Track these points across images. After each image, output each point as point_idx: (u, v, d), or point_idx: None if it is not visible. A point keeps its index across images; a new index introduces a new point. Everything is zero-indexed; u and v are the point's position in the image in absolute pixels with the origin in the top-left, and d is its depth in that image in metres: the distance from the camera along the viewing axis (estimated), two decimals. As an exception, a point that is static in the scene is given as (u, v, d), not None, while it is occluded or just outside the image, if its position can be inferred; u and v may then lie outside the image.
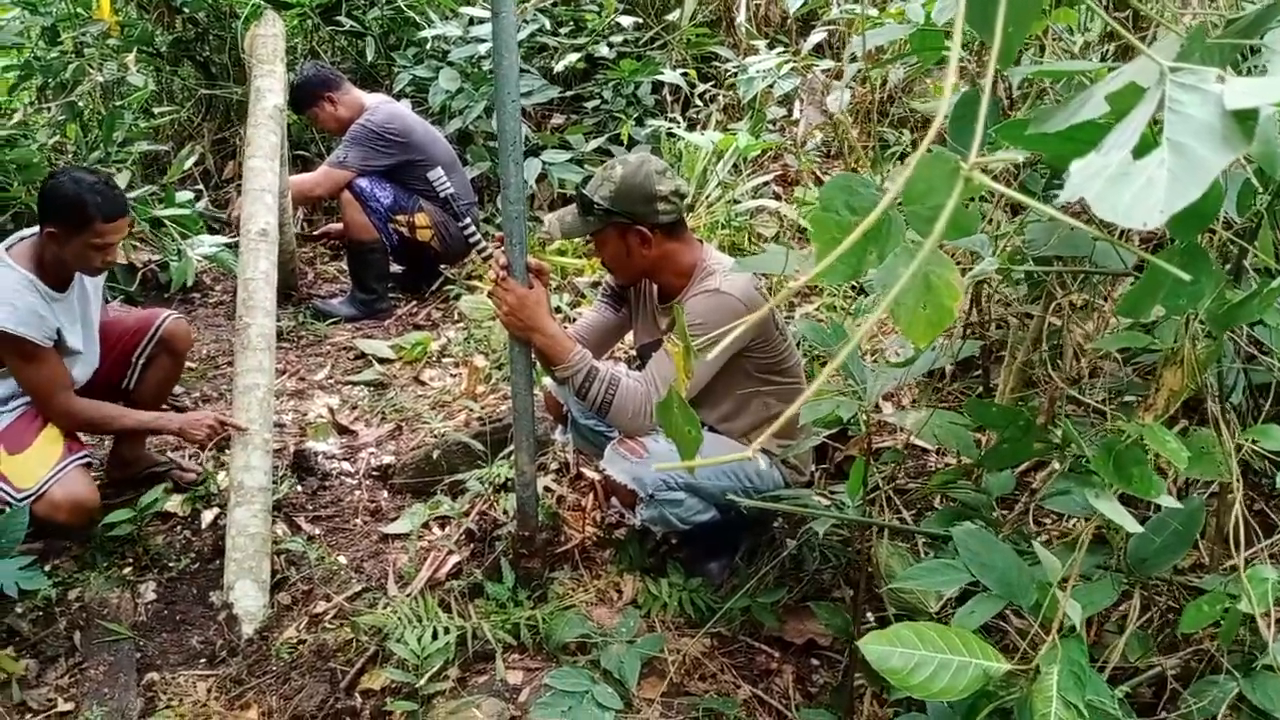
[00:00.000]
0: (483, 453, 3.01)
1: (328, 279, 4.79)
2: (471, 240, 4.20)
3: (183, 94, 5.65)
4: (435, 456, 3.10)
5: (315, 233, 4.76)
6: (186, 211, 4.27)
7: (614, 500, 2.69)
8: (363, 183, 4.19)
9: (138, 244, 4.36)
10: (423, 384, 3.81)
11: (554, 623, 2.37)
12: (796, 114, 4.58)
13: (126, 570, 2.70)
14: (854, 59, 3.19)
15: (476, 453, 3.04)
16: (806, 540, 2.50)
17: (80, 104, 4.95)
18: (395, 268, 4.48)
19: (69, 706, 2.26)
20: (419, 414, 3.56)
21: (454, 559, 2.71)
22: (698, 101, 5.04)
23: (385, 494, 3.15)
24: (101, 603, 2.55)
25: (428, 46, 5.10)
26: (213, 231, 4.45)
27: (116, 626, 2.48)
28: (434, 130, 4.42)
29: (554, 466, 3.09)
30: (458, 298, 4.37)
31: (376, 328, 4.31)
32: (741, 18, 5.16)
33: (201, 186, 5.14)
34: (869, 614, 2.23)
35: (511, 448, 2.45)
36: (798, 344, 2.65)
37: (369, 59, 5.28)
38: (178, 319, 3.00)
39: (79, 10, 5.09)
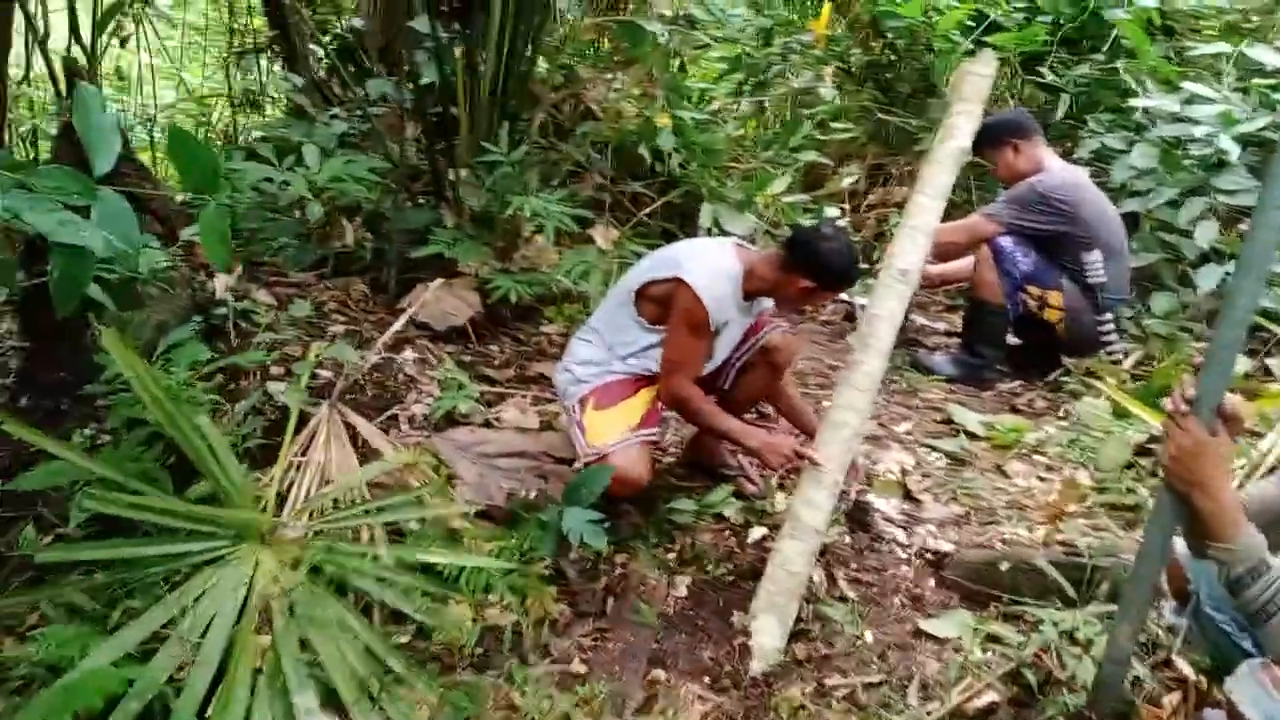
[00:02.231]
0: (1058, 588, 2.56)
1: (934, 330, 4.56)
2: (1105, 339, 3.63)
3: (858, 114, 5.80)
4: (1002, 568, 2.71)
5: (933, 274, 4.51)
6: (829, 229, 4.32)
7: (1221, 726, 2.08)
8: (1005, 242, 3.87)
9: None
10: (1005, 475, 3.41)
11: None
12: None
13: (670, 557, 2.75)
14: None
15: (1050, 583, 2.60)
16: None
17: (769, 105, 5.31)
18: (1012, 339, 4.10)
19: (581, 669, 2.34)
20: (993, 508, 3.18)
21: (992, 695, 2.32)
22: None
23: (932, 583, 2.85)
24: (641, 580, 2.62)
25: (1133, 116, 4.56)
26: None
27: (646, 608, 2.53)
28: (1110, 209, 3.94)
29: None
30: (1073, 395, 3.86)
31: (973, 396, 3.98)
32: None
33: (846, 205, 5.22)
34: None
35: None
36: None
37: (1058, 115, 4.89)
38: (785, 332, 2.98)
39: (797, 18, 5.45)
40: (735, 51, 5.65)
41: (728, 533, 2.91)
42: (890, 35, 5.63)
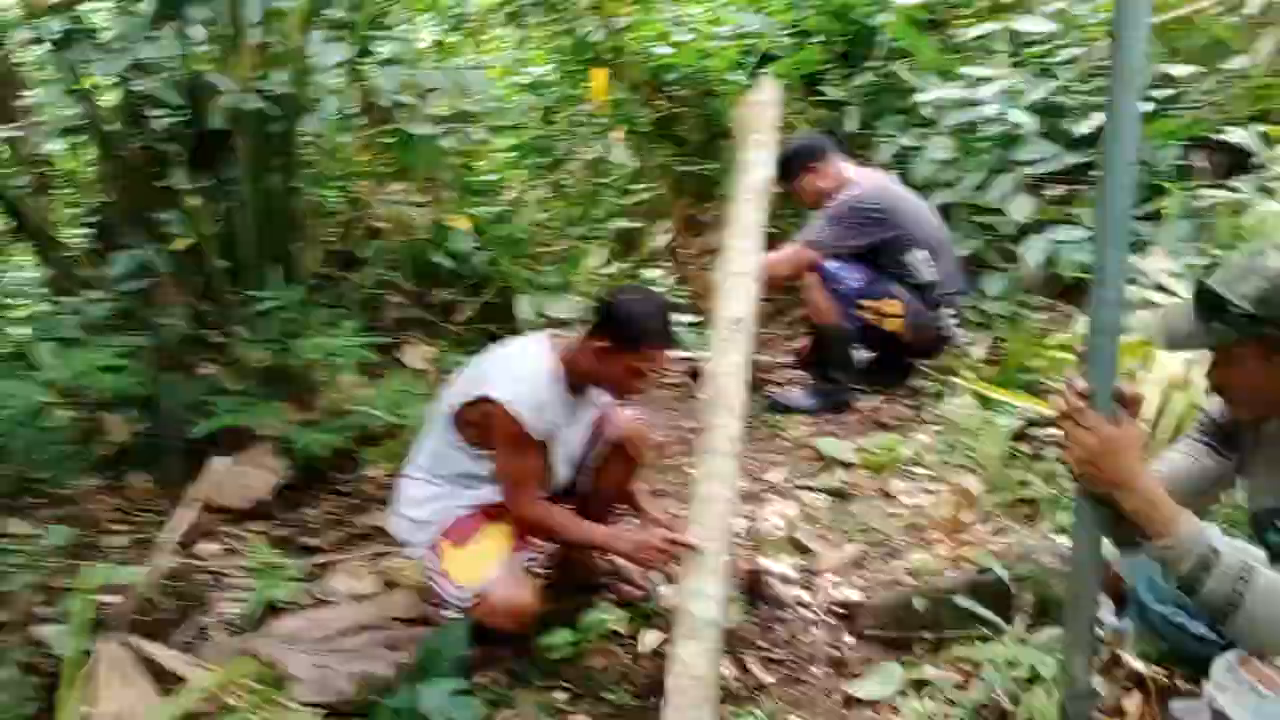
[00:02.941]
0: (980, 617, 2.31)
1: (780, 364, 4.35)
2: (947, 334, 3.53)
3: (657, 171, 5.67)
4: (918, 606, 2.45)
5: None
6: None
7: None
8: (830, 265, 3.72)
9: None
10: (890, 498, 3.19)
11: None
12: None
13: (560, 696, 2.38)
14: None
15: (967, 611, 2.35)
16: None
17: (567, 182, 5.10)
18: (860, 354, 3.93)
19: None
20: (888, 538, 2.95)
21: (945, 756, 2.03)
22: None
23: (849, 639, 2.57)
24: (533, 732, 2.24)
25: (922, 112, 4.54)
26: (676, 309, 4.25)
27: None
28: (924, 207, 3.86)
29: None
30: (935, 396, 3.71)
31: (836, 424, 3.78)
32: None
33: (670, 263, 5.03)
34: None
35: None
36: None
37: (847, 128, 4.86)
38: (632, 419, 2.69)
39: (574, 92, 5.31)
40: (521, 138, 5.47)
41: (617, 647, 2.56)
42: (671, 88, 5.56)
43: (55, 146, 4.25)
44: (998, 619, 2.26)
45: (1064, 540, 2.51)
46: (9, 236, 4.07)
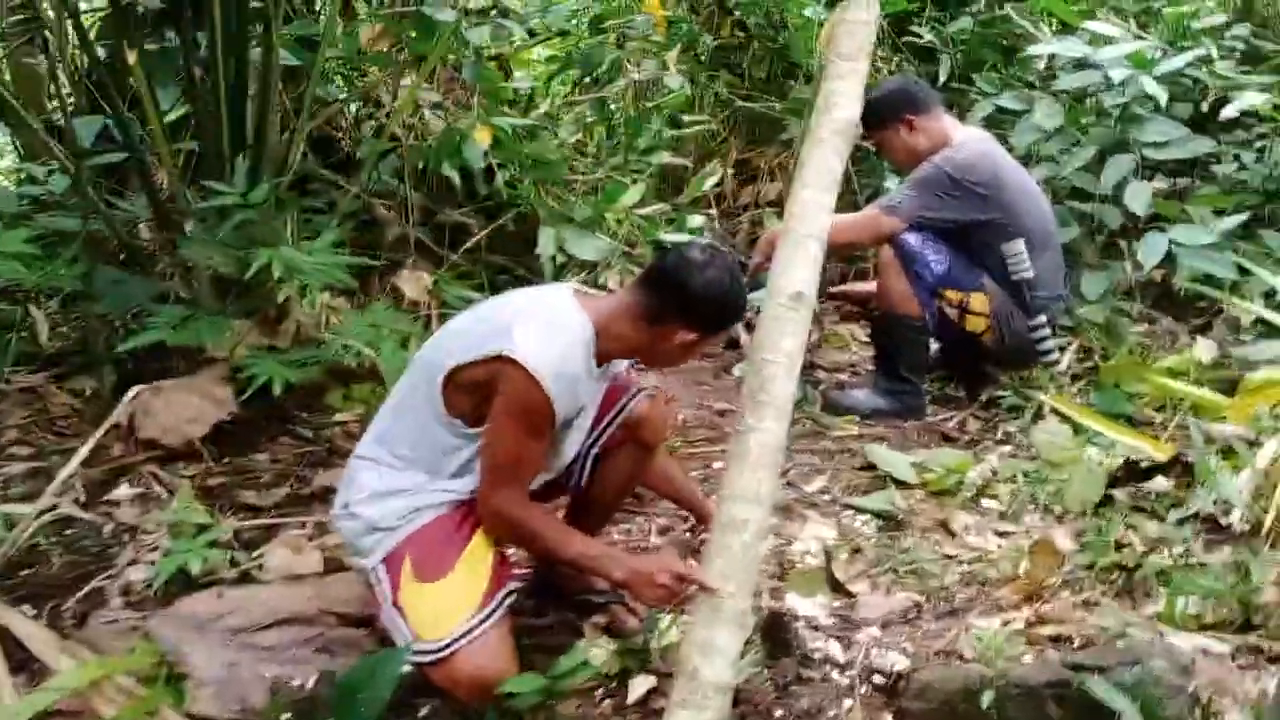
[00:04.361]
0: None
1: (840, 347, 3.80)
2: (1040, 346, 3.00)
3: (713, 105, 5.05)
4: (982, 701, 1.93)
5: (834, 290, 3.77)
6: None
7: None
8: (912, 239, 3.11)
9: (634, 269, 3.71)
10: (952, 534, 2.65)
11: None
12: None
13: (518, 756, 1.88)
14: None
15: (1052, 713, 1.83)
16: None
17: (612, 103, 4.50)
18: (933, 346, 3.36)
19: None
20: (946, 590, 2.41)
21: None
22: None
23: (888, 720, 2.06)
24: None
25: (1030, 69, 3.90)
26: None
27: None
28: (1033, 186, 3.23)
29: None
30: (1012, 411, 3.15)
31: (892, 427, 3.23)
32: None
33: (714, 210, 4.44)
34: None
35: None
36: None
37: (940, 79, 4.21)
38: (652, 396, 2.14)
39: (629, 1, 4.67)
40: (566, 46, 4.84)
41: (599, 693, 2.05)
42: (739, 13, 4.92)
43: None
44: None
45: (1179, 638, 1.98)
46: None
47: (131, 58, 2.43)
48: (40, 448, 2.44)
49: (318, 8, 3.17)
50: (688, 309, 1.91)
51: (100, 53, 3.01)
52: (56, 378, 2.71)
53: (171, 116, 2.86)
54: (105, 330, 2.64)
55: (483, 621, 1.82)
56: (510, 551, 2.15)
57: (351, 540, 1.95)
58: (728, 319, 2.01)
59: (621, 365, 2.12)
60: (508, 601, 1.90)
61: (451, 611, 1.81)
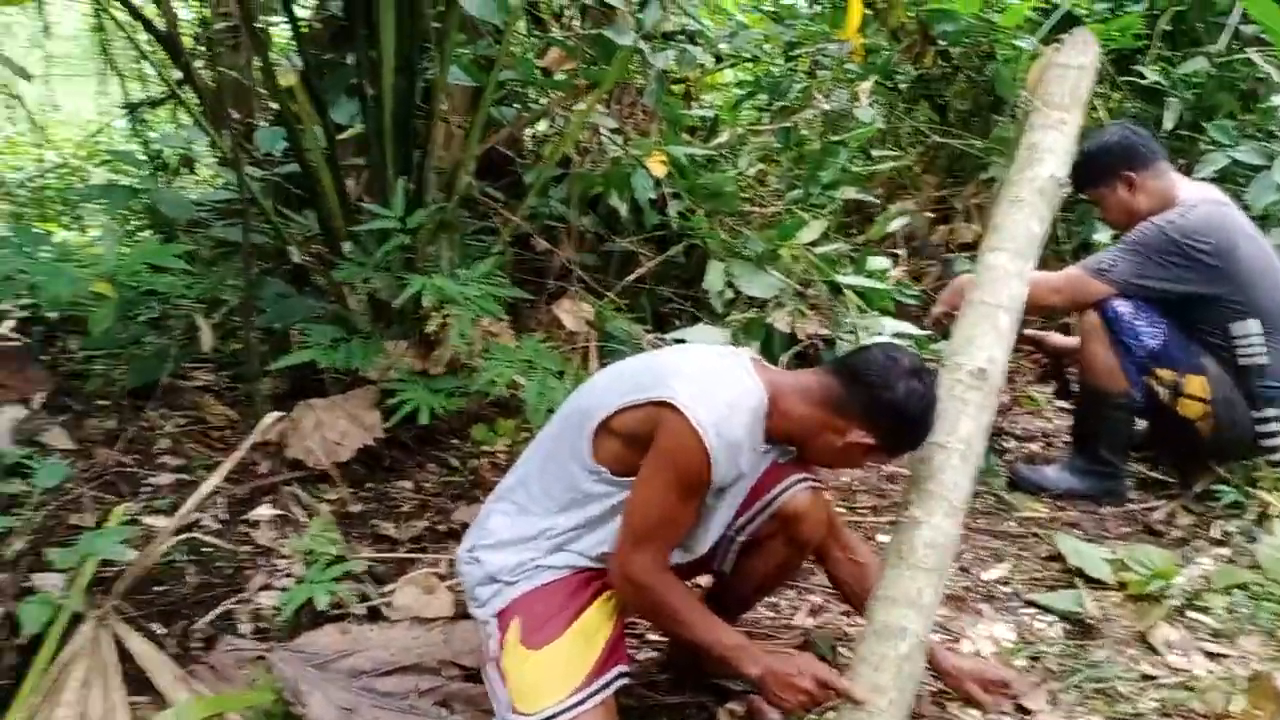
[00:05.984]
0: None
1: (1033, 411, 3.43)
2: (1267, 442, 2.61)
3: (908, 139, 4.76)
4: None
5: (1027, 332, 3.39)
6: (878, 285, 3.30)
7: None
8: (1123, 307, 2.75)
9: (807, 311, 3.48)
10: (1152, 651, 2.30)
11: None
12: None
13: None
14: None
15: None
16: None
17: (801, 131, 4.29)
18: (1139, 423, 2.97)
19: None
20: (1140, 717, 2.07)
21: None
22: None
23: None
24: None
25: (1268, 120, 3.45)
26: (899, 313, 3.39)
27: None
28: (1276, 262, 2.81)
29: None
30: (1232, 509, 2.74)
31: (1086, 513, 2.87)
32: None
33: (901, 251, 4.15)
34: None
35: None
36: None
37: (1167, 126, 3.78)
38: (815, 487, 1.92)
39: (824, 27, 4.44)
40: (756, 71, 4.67)
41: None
42: (943, 41, 4.60)
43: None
44: None
45: None
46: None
47: (289, 79, 2.43)
48: (190, 458, 2.47)
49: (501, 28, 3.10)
50: (876, 411, 1.74)
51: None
52: (214, 388, 2.76)
53: (348, 134, 2.87)
54: (265, 344, 2.66)
55: (583, 701, 1.67)
56: (642, 625, 2.00)
57: (471, 587, 1.84)
58: (911, 440, 1.84)
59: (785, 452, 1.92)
60: (618, 683, 1.73)
61: (551, 684, 1.67)
